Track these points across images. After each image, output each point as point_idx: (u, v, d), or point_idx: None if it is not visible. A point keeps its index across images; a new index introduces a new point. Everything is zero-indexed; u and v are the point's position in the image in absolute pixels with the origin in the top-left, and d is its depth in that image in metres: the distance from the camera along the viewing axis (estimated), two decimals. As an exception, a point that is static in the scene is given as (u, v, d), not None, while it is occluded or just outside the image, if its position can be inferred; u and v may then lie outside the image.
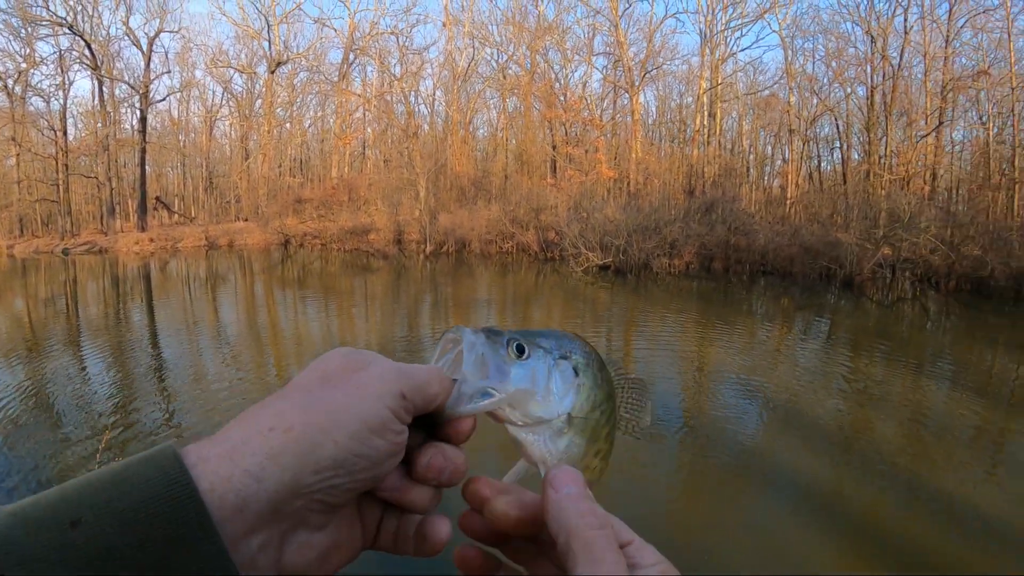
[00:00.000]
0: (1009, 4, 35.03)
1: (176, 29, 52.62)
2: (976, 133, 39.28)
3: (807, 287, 26.11)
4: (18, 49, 38.99)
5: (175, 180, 54.25)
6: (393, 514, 0.63)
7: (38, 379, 10.17)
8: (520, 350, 0.70)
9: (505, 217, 29.52)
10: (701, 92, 38.15)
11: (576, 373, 0.74)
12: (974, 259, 28.68)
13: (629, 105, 38.60)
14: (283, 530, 0.51)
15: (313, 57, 45.75)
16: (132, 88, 42.82)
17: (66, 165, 40.29)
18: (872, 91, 37.80)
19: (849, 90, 39.67)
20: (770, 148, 44.05)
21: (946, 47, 36.87)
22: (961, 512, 6.09)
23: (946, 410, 11.77)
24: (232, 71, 46.86)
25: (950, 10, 36.64)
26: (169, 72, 46.09)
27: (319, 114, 50.00)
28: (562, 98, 39.50)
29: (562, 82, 41.17)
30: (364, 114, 46.15)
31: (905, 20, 37.69)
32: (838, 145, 40.21)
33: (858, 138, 39.58)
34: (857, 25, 39.25)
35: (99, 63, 40.56)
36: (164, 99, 47.46)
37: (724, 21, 38.93)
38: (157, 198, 48.02)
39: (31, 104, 40.52)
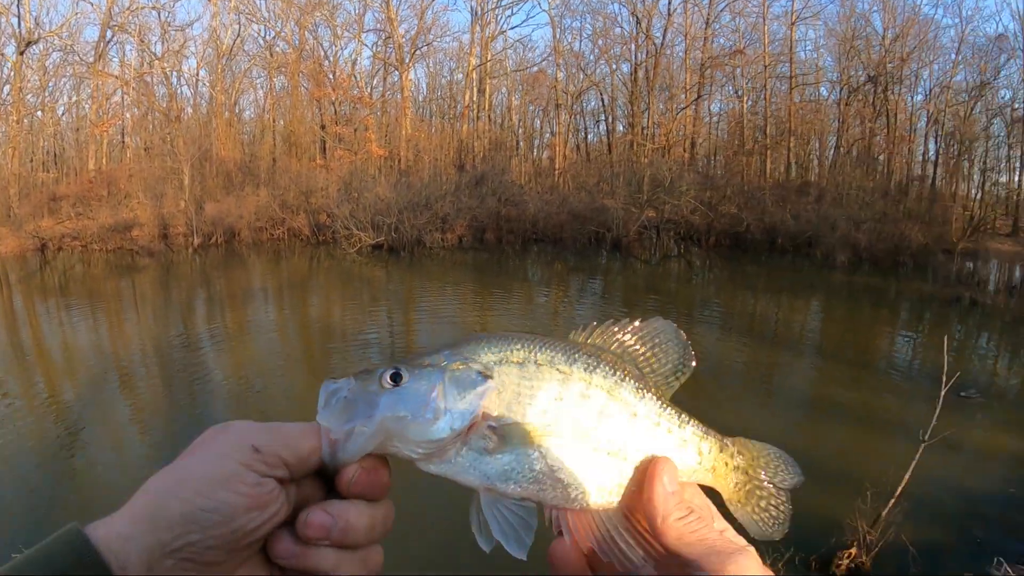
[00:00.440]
0: None
1: None
2: (732, 105, 43.97)
3: (578, 251, 28.08)
4: None
5: (-102, 186, 47.32)
6: None
7: None
8: (395, 378, 0.68)
9: (274, 202, 28.87)
10: (470, 69, 39.28)
11: (485, 377, 0.70)
12: (731, 217, 32.30)
13: (399, 82, 39.05)
14: None
15: (68, 35, 41.38)
16: None
17: None
18: (636, 68, 41.35)
19: (615, 67, 43.24)
20: (539, 122, 46.20)
21: (706, 28, 41.37)
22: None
23: (719, 351, 13.22)
24: (-27, 54, 41.42)
25: None
26: None
27: (73, 100, 45.49)
28: (331, 76, 39.28)
29: (331, 60, 40.83)
30: (123, 98, 42.72)
31: (669, 3, 41.06)
32: (604, 118, 43.94)
33: (623, 111, 43.36)
34: (623, 6, 42.13)
35: None
36: None
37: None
38: None
39: None
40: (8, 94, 42.31)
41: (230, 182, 33.42)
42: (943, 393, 6.50)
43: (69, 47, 42.29)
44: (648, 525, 0.70)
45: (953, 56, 43.01)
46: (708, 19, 41.26)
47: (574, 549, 0.72)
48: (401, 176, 31.48)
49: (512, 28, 60.40)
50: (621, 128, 43.14)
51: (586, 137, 46.12)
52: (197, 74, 42.38)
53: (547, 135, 44.21)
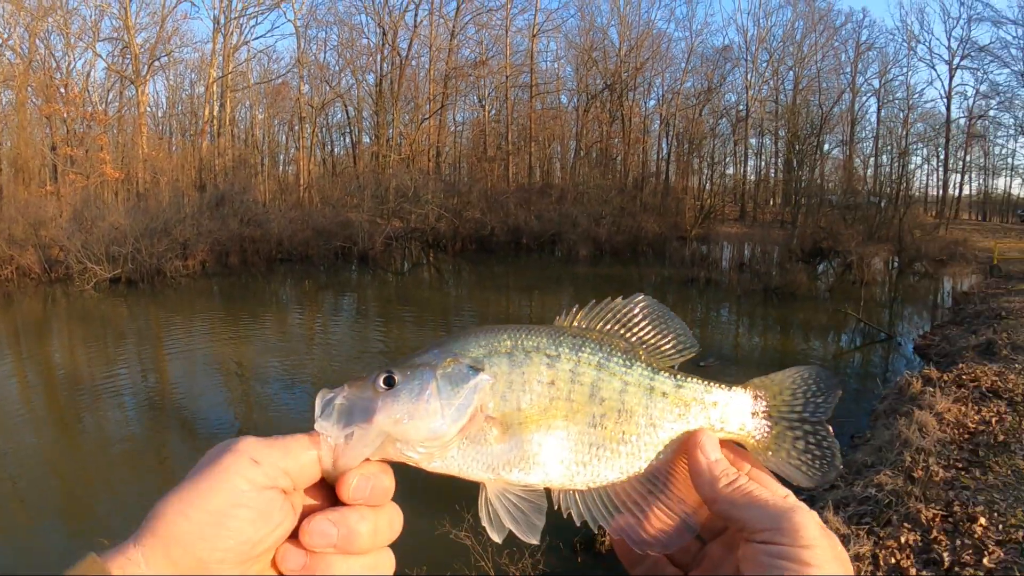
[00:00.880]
0: (510, 5, 43.12)
1: None
2: (476, 114, 47.30)
3: (327, 268, 28.62)
4: None
5: None
6: None
7: None
8: (389, 381, 0.70)
9: (0, 238, 26.78)
10: (211, 81, 38.55)
11: (476, 370, 0.73)
12: (476, 221, 35.12)
13: (136, 96, 37.48)
14: None
15: None
16: None
17: None
18: (381, 79, 43.23)
19: (360, 78, 45.02)
20: (284, 137, 47.02)
21: (451, 40, 43.81)
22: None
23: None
24: None
25: (457, 8, 44.12)
26: None
27: None
28: (63, 90, 36.68)
29: (64, 71, 37.89)
30: None
31: (416, 15, 43.54)
32: (349, 130, 45.89)
33: (369, 123, 45.05)
34: (370, 17, 44.08)
35: None
36: None
37: (240, 8, 40.18)
38: None
39: None
40: None
41: (-57, 218, 30.45)
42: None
43: None
44: (699, 496, 0.74)
45: (683, 65, 50.29)
46: (453, 31, 44.07)
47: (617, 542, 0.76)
48: (139, 200, 30.28)
49: (256, 39, 59.20)
50: (367, 140, 44.66)
51: (332, 150, 47.99)
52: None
53: (292, 150, 44.57)
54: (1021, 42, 37.59)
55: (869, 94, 51.20)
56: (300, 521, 0.67)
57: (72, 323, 19.57)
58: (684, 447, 0.77)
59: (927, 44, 68.57)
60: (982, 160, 58.77)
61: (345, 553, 0.66)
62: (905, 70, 53.41)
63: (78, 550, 0.57)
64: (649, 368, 0.78)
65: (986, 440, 7.44)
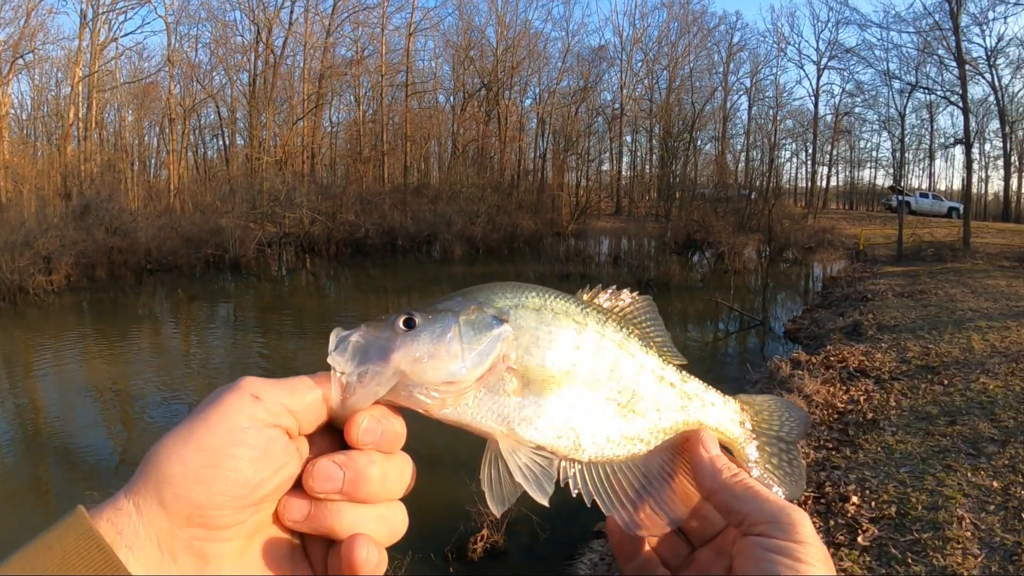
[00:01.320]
0: (386, 4, 43.84)
1: None
2: (352, 115, 47.80)
3: (198, 278, 27.98)
4: None
5: None
6: (337, 548, 0.63)
7: None
8: (408, 323, 0.69)
9: None
10: (77, 80, 37.41)
11: (500, 320, 0.72)
12: (350, 224, 35.74)
13: None
14: (201, 551, 0.58)
15: None
16: None
17: None
18: (254, 78, 43.09)
19: (234, 77, 44.63)
20: (155, 139, 46.00)
21: (327, 38, 44.33)
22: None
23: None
24: None
25: (334, 5, 44.11)
26: None
27: None
28: None
29: None
30: None
31: (291, 12, 43.43)
32: (222, 132, 45.56)
33: (242, 124, 44.71)
34: (244, 14, 43.89)
35: None
36: None
37: (108, 2, 38.81)
38: None
39: None
40: None
41: None
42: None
43: None
44: (700, 487, 0.75)
45: (560, 64, 52.67)
46: (329, 29, 44.21)
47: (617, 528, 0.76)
48: (-1, 211, 28.63)
49: (125, 35, 56.71)
50: (241, 142, 44.42)
51: (205, 153, 47.13)
52: None
53: (164, 153, 43.62)
54: (885, 44, 41.21)
55: (741, 92, 55.18)
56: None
57: (-72, 354, 17.94)
58: (680, 439, 0.81)
59: (796, 46, 74.47)
60: (848, 153, 64.53)
61: (353, 501, 0.64)
62: (775, 70, 59.23)
63: (67, 505, 0.56)
64: (661, 358, 0.82)
65: (855, 419, 7.76)
